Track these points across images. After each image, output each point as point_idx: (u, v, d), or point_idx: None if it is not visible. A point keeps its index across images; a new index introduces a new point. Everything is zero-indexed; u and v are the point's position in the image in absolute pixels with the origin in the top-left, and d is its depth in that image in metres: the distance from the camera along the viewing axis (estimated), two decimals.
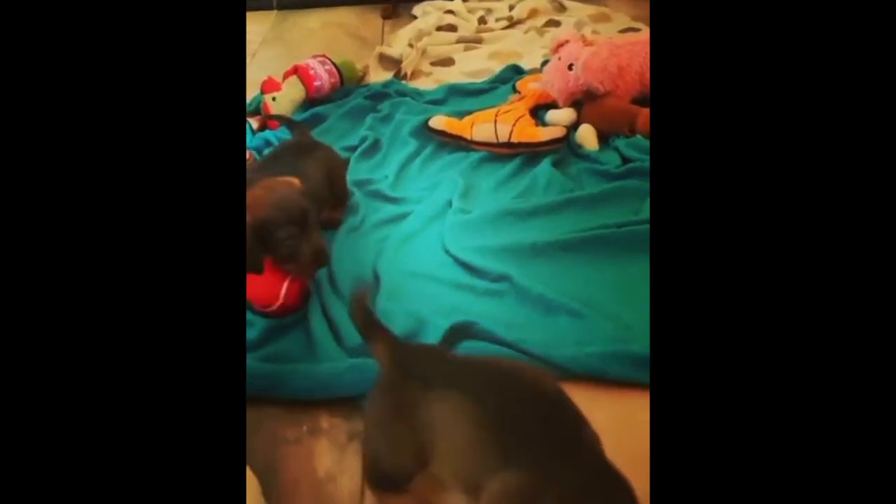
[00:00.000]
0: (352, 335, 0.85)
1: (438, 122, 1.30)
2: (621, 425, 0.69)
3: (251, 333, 0.89)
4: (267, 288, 0.90)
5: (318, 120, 1.41)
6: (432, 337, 0.85)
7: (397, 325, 0.85)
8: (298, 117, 1.40)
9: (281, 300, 0.90)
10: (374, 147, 1.32)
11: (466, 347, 0.84)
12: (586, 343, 0.84)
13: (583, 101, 1.30)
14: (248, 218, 0.83)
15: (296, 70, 1.46)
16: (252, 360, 0.85)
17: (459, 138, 1.28)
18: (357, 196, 1.16)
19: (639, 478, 0.53)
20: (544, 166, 1.18)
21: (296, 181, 0.92)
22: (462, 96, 1.50)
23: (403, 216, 1.11)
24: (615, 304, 0.89)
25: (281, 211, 0.86)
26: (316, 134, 1.33)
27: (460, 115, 1.32)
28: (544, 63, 1.49)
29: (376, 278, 0.98)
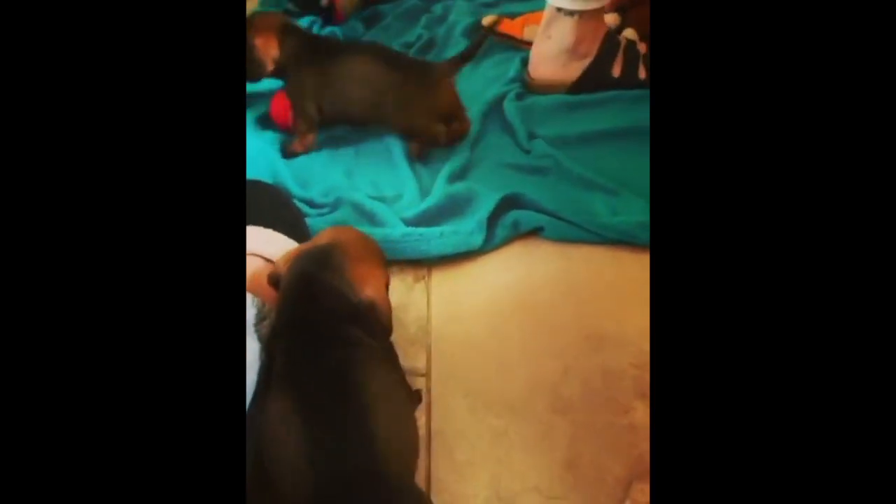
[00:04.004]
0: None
1: (491, 20, 1.39)
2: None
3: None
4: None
5: (377, 18, 1.51)
6: (485, 205, 0.98)
7: (457, 189, 1.00)
8: (361, 14, 1.50)
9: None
10: (429, 45, 1.41)
11: (515, 216, 0.98)
12: (618, 214, 0.97)
13: (627, 7, 1.37)
14: None
15: None
16: (318, 220, 0.99)
17: (511, 37, 1.37)
18: None
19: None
20: None
21: None
22: (513, 1, 1.57)
23: None
24: (646, 185, 1.01)
25: None
26: (374, 31, 1.45)
27: (512, 16, 1.40)
28: None
29: None
